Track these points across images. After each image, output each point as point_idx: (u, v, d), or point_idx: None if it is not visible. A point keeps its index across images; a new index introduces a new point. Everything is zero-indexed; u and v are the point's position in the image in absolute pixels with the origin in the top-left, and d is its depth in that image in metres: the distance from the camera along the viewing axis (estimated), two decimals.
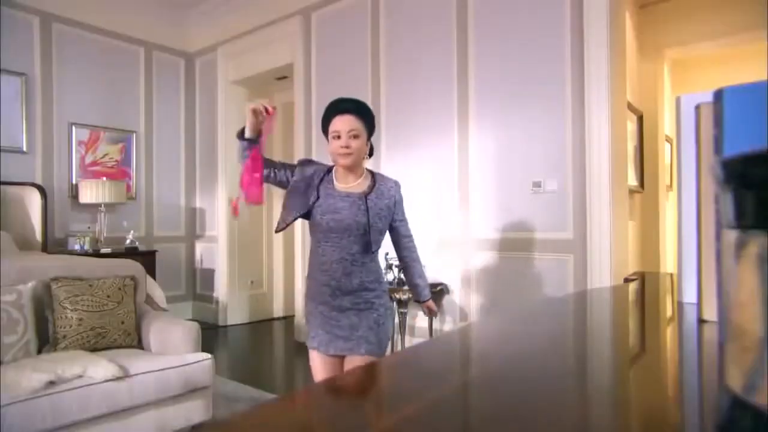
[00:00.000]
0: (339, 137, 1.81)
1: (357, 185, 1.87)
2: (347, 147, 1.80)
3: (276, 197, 5.61)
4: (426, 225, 3.53)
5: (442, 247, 3.51)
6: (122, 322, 2.43)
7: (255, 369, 3.81)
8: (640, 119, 4.22)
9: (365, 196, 1.83)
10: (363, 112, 1.85)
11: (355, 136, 1.81)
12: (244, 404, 2.85)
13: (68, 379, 1.94)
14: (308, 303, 1.90)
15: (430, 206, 3.55)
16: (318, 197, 1.83)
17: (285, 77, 5.07)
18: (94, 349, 2.29)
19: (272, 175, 1.85)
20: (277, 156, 5.63)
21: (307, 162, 1.94)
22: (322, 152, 4.29)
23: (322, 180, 1.86)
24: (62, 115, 4.67)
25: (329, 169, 1.89)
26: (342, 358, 1.82)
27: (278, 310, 5.60)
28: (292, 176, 1.86)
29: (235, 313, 5.24)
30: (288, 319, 5.35)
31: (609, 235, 2.80)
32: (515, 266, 3.17)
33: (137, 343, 2.48)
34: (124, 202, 4.84)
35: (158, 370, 2.18)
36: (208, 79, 5.47)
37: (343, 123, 1.81)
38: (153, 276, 4.20)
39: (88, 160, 4.83)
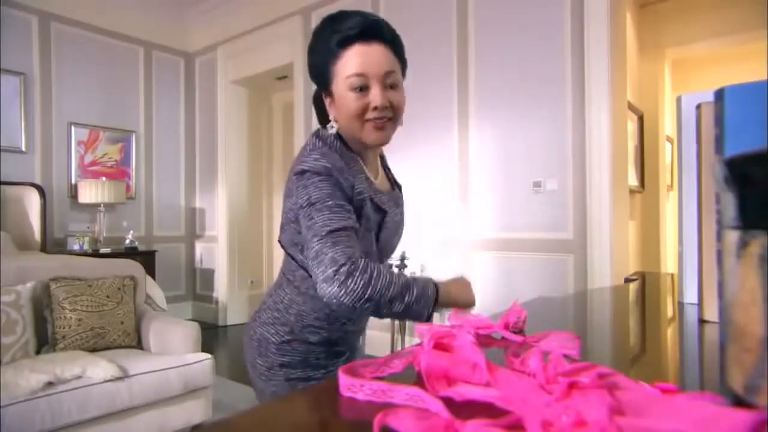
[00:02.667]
0: (366, 87, 0.95)
1: (382, 176, 1.15)
2: (386, 108, 0.97)
3: (276, 196, 5.61)
4: (426, 225, 3.53)
5: (442, 247, 3.51)
6: (122, 323, 2.42)
7: None
8: (641, 119, 4.22)
9: (399, 189, 1.20)
10: (398, 43, 1.01)
11: (394, 86, 0.98)
12: (244, 404, 2.85)
13: (67, 379, 1.94)
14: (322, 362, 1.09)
15: (429, 206, 3.54)
16: (386, 211, 1.06)
17: (285, 77, 5.07)
18: (93, 350, 2.29)
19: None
20: (276, 156, 5.64)
21: (332, 171, 0.94)
22: None
23: (364, 179, 1.03)
24: (61, 114, 4.66)
25: (352, 153, 1.04)
26: None
27: None
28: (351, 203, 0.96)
29: (235, 313, 5.23)
30: None
31: (609, 235, 2.80)
32: (515, 266, 3.17)
33: (137, 343, 2.48)
34: (123, 202, 4.83)
35: (158, 371, 2.17)
36: (208, 79, 5.47)
37: (373, 57, 0.95)
38: (153, 276, 4.20)
39: (88, 159, 4.83)
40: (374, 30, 0.95)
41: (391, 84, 0.97)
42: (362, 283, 0.85)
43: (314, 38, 1.00)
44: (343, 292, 0.84)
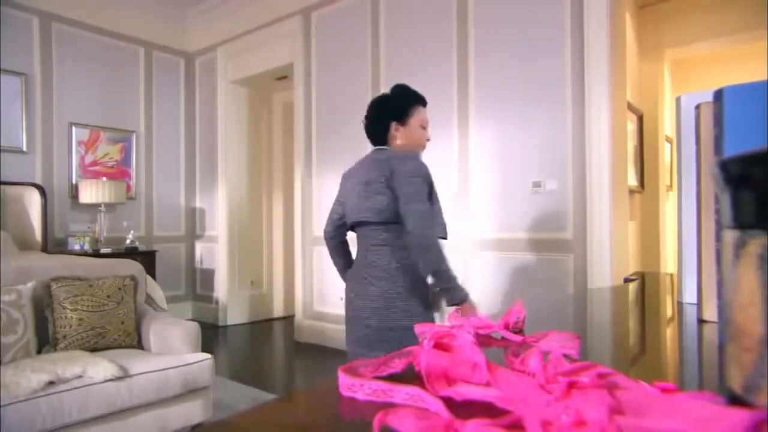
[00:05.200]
0: (425, 128, 1.86)
1: None
2: (429, 140, 1.92)
3: (276, 196, 5.62)
4: None
5: None
6: (122, 322, 2.42)
7: (255, 369, 3.81)
8: (640, 119, 4.22)
9: None
10: None
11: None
12: (244, 404, 2.85)
13: (68, 379, 1.94)
14: (419, 306, 1.74)
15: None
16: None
17: (285, 77, 5.07)
18: (94, 349, 2.29)
19: None
20: (277, 156, 5.64)
21: (425, 168, 1.75)
22: (322, 151, 4.29)
23: None
24: (62, 115, 4.67)
25: None
26: None
27: (278, 310, 5.60)
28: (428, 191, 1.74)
29: (235, 313, 5.23)
30: (288, 319, 5.35)
31: (609, 235, 2.80)
32: (515, 266, 3.17)
33: (137, 343, 2.48)
34: (124, 202, 4.84)
35: (158, 370, 2.17)
36: (208, 79, 5.47)
37: (426, 116, 1.87)
38: (153, 276, 4.20)
39: (88, 160, 4.83)
40: (425, 102, 1.89)
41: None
42: None
43: (402, 91, 1.85)
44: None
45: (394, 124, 1.80)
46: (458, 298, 1.63)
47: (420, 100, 1.85)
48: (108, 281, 2.48)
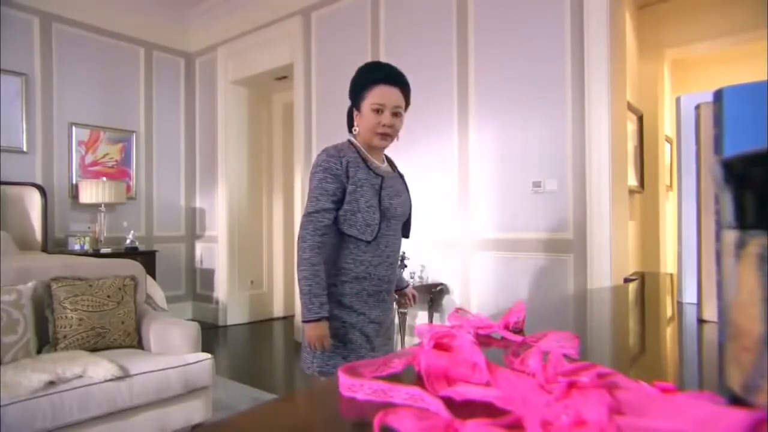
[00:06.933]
0: (381, 111, 1.52)
1: (386, 166, 1.66)
2: (391, 127, 1.53)
3: (276, 196, 5.62)
4: (426, 225, 3.53)
5: (441, 247, 3.51)
6: (122, 322, 2.42)
7: (255, 369, 3.81)
8: (640, 119, 4.22)
9: (401, 176, 1.70)
10: (408, 88, 1.58)
11: (398, 114, 1.55)
12: (244, 404, 2.85)
13: (68, 379, 1.94)
14: (350, 312, 1.52)
15: (430, 206, 3.54)
16: (382, 179, 1.55)
17: (285, 77, 5.07)
18: (94, 349, 2.29)
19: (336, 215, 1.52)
20: (277, 156, 5.65)
21: (329, 162, 1.50)
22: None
23: (363, 161, 1.55)
24: (62, 115, 4.67)
25: (356, 149, 1.58)
26: None
27: (278, 310, 5.60)
28: (340, 187, 1.50)
29: (235, 313, 5.23)
30: (288, 319, 5.34)
31: (609, 235, 2.80)
32: (515, 266, 3.17)
33: (137, 343, 2.48)
34: (124, 202, 4.84)
35: (158, 370, 2.17)
36: (208, 79, 5.47)
37: (390, 96, 1.51)
38: (153, 276, 4.20)
39: (89, 160, 4.83)
40: (397, 77, 1.55)
41: (396, 113, 1.54)
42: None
43: (358, 73, 1.58)
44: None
45: (355, 113, 1.60)
46: (304, 315, 1.46)
47: (375, 80, 1.53)
48: (108, 281, 2.48)
